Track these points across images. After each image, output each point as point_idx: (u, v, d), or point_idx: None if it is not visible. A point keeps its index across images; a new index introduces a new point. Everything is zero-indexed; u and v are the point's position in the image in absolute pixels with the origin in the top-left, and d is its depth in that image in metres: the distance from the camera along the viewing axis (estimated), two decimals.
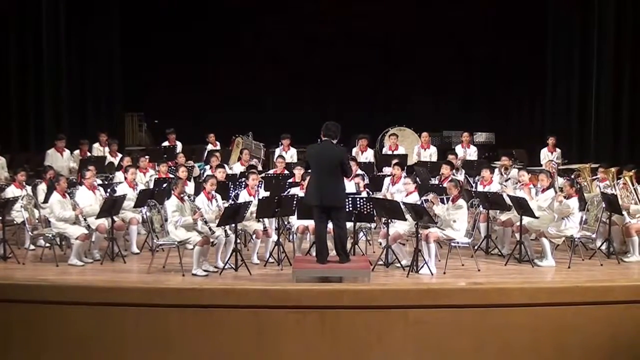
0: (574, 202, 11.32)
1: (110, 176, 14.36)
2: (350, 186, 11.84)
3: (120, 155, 15.61)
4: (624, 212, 11.71)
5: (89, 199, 11.73)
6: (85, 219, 11.40)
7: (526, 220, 11.45)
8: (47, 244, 11.66)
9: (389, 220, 11.18)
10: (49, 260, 11.42)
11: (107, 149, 16.09)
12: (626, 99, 17.61)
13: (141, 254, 12.11)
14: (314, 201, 10.31)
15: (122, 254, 11.66)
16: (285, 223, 12.22)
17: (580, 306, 9.75)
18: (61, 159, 15.46)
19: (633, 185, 12.01)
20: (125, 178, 12.88)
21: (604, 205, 11.61)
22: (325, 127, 10.34)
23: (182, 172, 13.00)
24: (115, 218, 11.59)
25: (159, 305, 9.67)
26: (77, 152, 15.70)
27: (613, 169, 12.92)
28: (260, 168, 15.45)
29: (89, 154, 15.84)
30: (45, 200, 12.18)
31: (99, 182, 13.12)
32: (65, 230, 11.33)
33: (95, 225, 11.51)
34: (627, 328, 9.72)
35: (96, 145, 16.29)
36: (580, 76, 18.83)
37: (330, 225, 10.52)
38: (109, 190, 12.72)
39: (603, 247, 11.82)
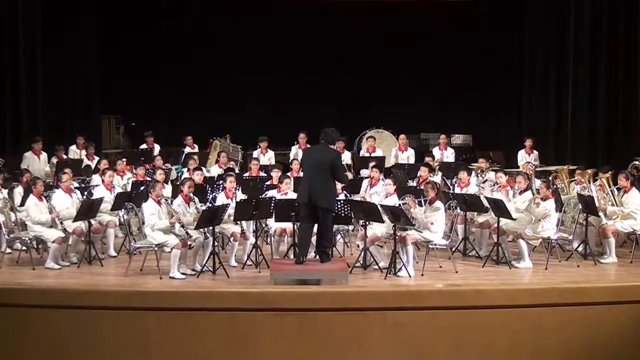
0: (550, 204, 11.39)
1: (87, 179, 14.27)
2: None
3: (97, 158, 15.53)
4: (601, 214, 11.80)
5: (66, 202, 11.65)
6: (61, 222, 11.33)
7: (503, 222, 11.50)
8: (24, 247, 11.60)
9: (367, 222, 11.20)
10: (25, 263, 11.33)
11: (84, 151, 16.00)
12: (602, 102, 17.75)
13: (118, 257, 12.05)
14: (302, 199, 10.51)
15: (99, 257, 11.60)
16: (263, 225, 12.22)
17: (558, 307, 9.80)
18: (38, 162, 15.36)
19: (609, 187, 12.10)
20: (103, 181, 12.81)
21: (580, 207, 11.69)
22: (324, 132, 10.73)
23: (159, 175, 12.95)
24: (92, 221, 11.52)
25: (136, 308, 9.63)
26: (54, 159, 15.56)
27: (589, 171, 13.01)
28: (238, 170, 15.41)
29: (65, 156, 15.75)
30: (22, 204, 12.06)
31: (76, 185, 13.03)
32: (42, 233, 11.25)
33: (72, 228, 11.44)
34: (604, 329, 9.79)
35: (73, 147, 16.21)
36: (557, 78, 18.94)
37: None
38: (85, 193, 12.63)
39: (580, 249, 11.89)
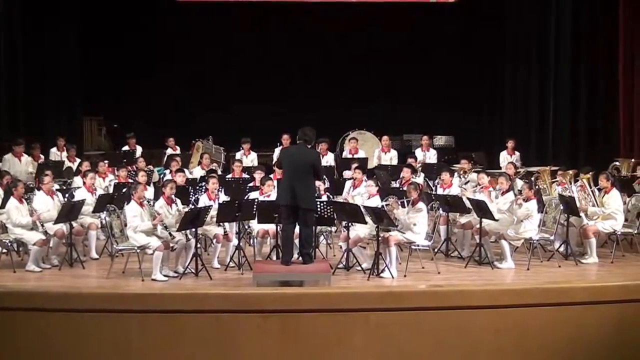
0: (532, 205, 11.44)
1: (69, 181, 14.19)
2: None
3: (78, 160, 15.44)
4: (582, 214, 11.85)
5: (47, 204, 11.57)
6: (42, 225, 11.26)
7: (486, 222, 11.54)
8: (4, 250, 11.48)
9: (350, 224, 11.20)
10: (6, 266, 11.23)
11: (64, 153, 15.92)
12: (583, 103, 17.84)
13: (100, 260, 11.99)
14: (283, 201, 10.46)
15: (80, 260, 11.54)
16: (246, 227, 12.20)
17: (540, 307, 9.85)
18: (19, 164, 15.21)
19: (590, 188, 12.17)
20: (84, 183, 12.74)
21: (561, 208, 11.75)
22: (302, 132, 10.70)
23: (141, 177, 12.90)
24: (73, 223, 11.46)
25: (118, 310, 9.59)
26: (29, 157, 15.46)
27: (570, 172, 13.08)
28: (220, 172, 15.38)
29: (42, 156, 15.64)
30: (2, 206, 11.95)
31: (57, 187, 12.95)
32: (23, 236, 11.17)
33: (53, 230, 11.37)
34: (586, 329, 9.84)
35: (54, 150, 16.11)
36: (539, 79, 19.04)
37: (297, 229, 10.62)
38: (67, 195, 12.57)
39: (561, 249, 11.95)
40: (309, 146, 10.76)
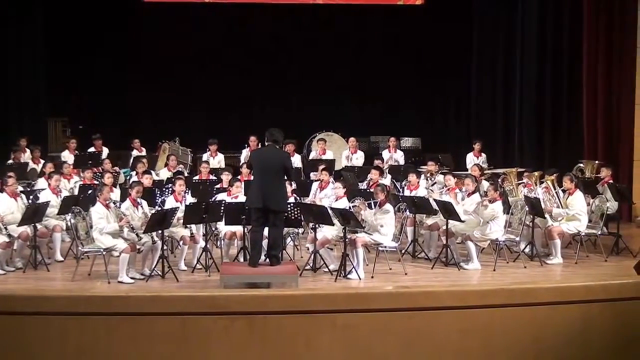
0: (498, 206, 11.54)
1: (33, 183, 14.04)
2: None
3: (42, 162, 15.28)
4: (547, 216, 11.97)
5: (11, 206, 11.44)
6: (6, 227, 11.13)
7: (452, 224, 11.62)
8: None
9: (317, 225, 11.21)
10: None
11: (28, 154, 15.73)
12: (548, 105, 17.99)
13: (65, 262, 11.90)
14: (255, 204, 10.43)
15: (45, 262, 11.43)
16: (213, 229, 12.16)
17: (506, 308, 9.90)
18: None
19: (555, 189, 12.29)
20: (49, 184, 12.61)
21: (527, 209, 11.85)
22: (270, 133, 10.71)
23: (107, 179, 12.80)
24: (38, 225, 11.35)
25: (84, 313, 9.48)
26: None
27: (536, 173, 13.19)
28: (187, 174, 15.31)
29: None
30: None
31: (21, 188, 12.81)
32: None
33: (17, 233, 11.25)
34: (551, 329, 9.90)
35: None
36: (505, 83, 19.20)
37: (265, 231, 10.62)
38: (31, 197, 12.43)
39: (527, 250, 12.06)
40: (278, 147, 10.76)
